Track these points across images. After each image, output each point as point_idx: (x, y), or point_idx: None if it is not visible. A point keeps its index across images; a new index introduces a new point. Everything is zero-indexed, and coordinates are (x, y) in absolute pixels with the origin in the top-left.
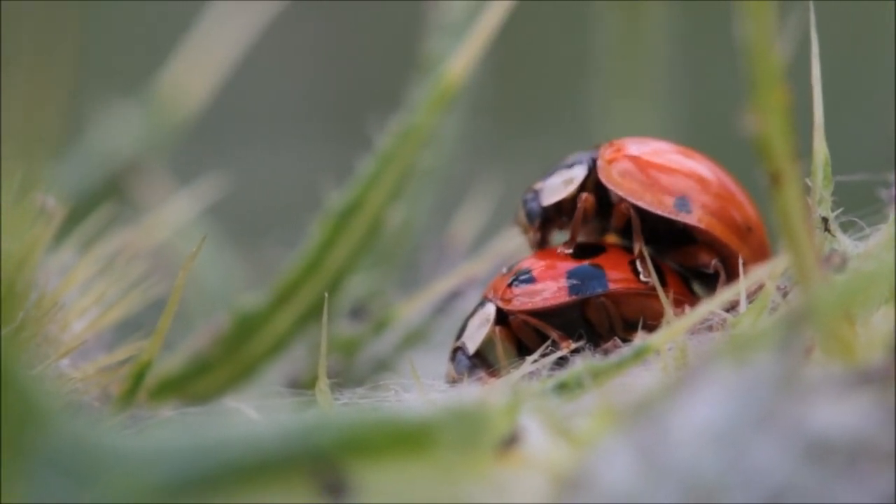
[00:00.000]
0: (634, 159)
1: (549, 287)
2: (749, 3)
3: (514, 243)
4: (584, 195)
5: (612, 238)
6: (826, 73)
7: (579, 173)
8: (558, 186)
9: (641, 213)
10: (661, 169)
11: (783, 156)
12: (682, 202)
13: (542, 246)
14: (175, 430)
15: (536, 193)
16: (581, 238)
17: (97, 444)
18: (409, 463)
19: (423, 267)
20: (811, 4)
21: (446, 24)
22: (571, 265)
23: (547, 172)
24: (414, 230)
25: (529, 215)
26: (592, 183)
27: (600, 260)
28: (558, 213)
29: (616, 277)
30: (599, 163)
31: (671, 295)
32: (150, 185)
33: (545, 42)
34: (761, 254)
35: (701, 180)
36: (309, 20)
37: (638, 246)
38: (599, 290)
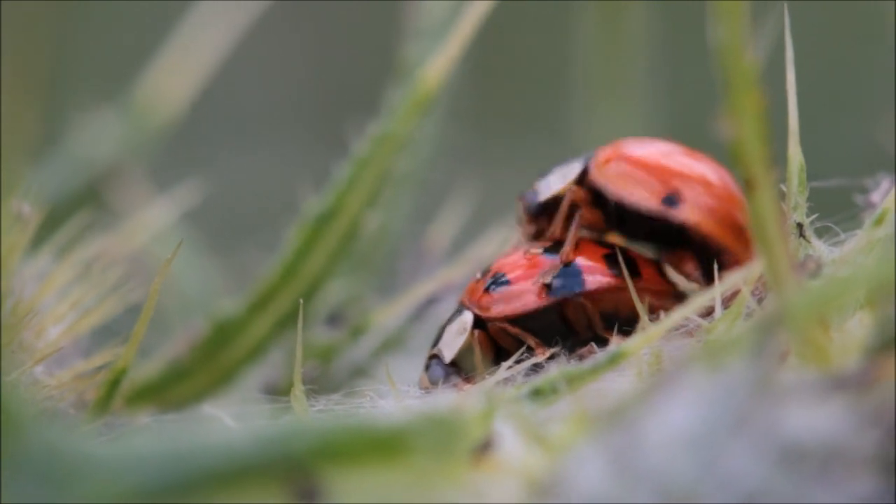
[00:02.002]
0: (626, 157)
1: (527, 291)
2: (721, 5)
3: (492, 248)
4: (574, 188)
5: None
6: (801, 79)
7: (575, 169)
8: (555, 180)
9: (634, 212)
10: (653, 167)
11: (757, 161)
12: (671, 199)
13: (535, 239)
14: (150, 437)
15: (535, 190)
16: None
17: (72, 451)
18: (384, 469)
19: (400, 272)
20: (785, 8)
21: (424, 27)
22: (546, 265)
23: (544, 172)
24: (391, 235)
25: (527, 209)
26: (586, 182)
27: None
28: (555, 211)
29: (593, 275)
30: (591, 162)
31: (643, 285)
32: (128, 191)
33: (524, 45)
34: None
35: (697, 179)
36: (287, 26)
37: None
38: (577, 290)
